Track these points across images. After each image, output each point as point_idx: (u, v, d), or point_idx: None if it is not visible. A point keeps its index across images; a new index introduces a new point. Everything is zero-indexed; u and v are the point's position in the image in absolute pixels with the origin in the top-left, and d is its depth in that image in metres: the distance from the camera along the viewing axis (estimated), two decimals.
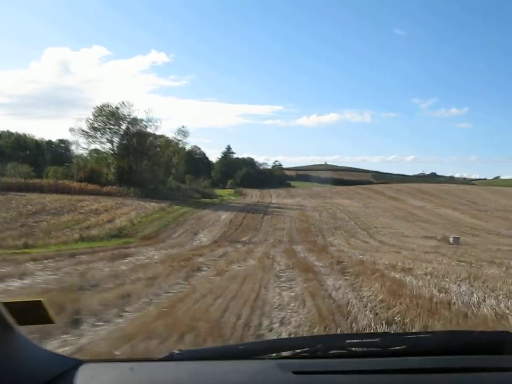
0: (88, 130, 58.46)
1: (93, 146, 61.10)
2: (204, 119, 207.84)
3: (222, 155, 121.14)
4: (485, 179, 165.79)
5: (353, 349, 1.79)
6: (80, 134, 58.68)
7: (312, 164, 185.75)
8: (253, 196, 76.55)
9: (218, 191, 78.29)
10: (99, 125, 58.61)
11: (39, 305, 1.53)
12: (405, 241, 31.77)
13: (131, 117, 59.70)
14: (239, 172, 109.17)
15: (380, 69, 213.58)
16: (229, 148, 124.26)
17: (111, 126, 58.91)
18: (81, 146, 62.66)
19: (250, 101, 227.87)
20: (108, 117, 58.61)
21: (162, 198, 51.58)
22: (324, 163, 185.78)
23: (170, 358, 1.79)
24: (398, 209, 57.70)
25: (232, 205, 55.20)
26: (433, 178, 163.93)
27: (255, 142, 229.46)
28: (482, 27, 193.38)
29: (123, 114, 59.36)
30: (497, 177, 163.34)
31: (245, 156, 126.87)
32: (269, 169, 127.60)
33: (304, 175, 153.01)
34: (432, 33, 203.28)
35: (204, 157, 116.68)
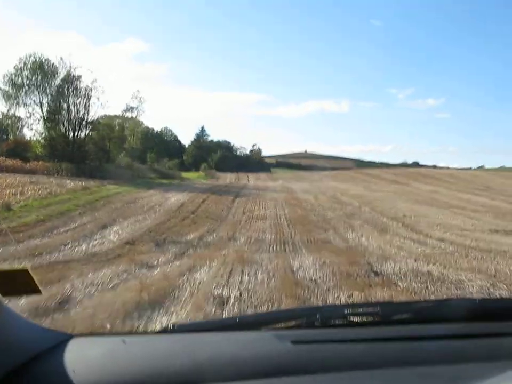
0: (7, 89, 41.89)
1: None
2: (180, 106, 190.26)
3: (195, 137, 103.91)
4: (470, 168, 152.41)
5: (353, 318, 1.62)
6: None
7: (292, 152, 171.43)
8: (227, 178, 60.33)
9: (186, 174, 62.14)
10: (22, 81, 41.94)
11: (25, 274, 1.32)
12: (484, 240, 16.44)
13: (67, 72, 43.10)
14: (213, 156, 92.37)
15: (356, 58, 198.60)
16: (202, 130, 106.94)
17: (39, 83, 42.21)
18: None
19: (228, 89, 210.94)
20: (34, 70, 41.91)
21: (105, 177, 36.32)
22: (304, 151, 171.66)
23: (164, 331, 1.65)
24: (411, 193, 42.37)
25: (195, 186, 38.86)
26: (416, 167, 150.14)
27: (233, 131, 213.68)
28: (457, 15, 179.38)
29: (55, 68, 42.74)
30: (481, 167, 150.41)
31: (221, 139, 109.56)
32: (247, 154, 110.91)
33: (284, 162, 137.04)
34: (408, 24, 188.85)
35: (175, 140, 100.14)
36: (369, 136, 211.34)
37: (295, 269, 8.95)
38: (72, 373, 1.16)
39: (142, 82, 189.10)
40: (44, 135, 43.59)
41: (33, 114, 42.55)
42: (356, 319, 1.60)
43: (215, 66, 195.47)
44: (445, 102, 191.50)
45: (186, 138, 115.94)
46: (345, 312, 1.69)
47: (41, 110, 42.69)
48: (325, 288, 7.26)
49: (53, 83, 42.66)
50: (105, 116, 49.73)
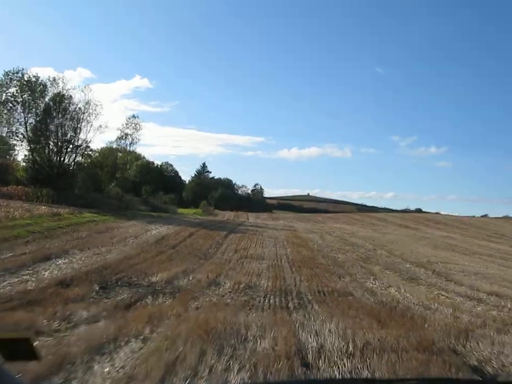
0: None
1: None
2: (184, 147, 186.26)
3: (196, 173, 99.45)
4: (474, 216, 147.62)
5: None
6: None
7: (294, 194, 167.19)
8: (225, 216, 55.63)
9: (182, 210, 57.54)
10: (7, 98, 37.75)
11: (26, 341, 1.33)
12: None
13: (57, 91, 39.00)
14: (213, 193, 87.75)
15: (360, 105, 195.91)
16: (204, 166, 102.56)
17: (25, 101, 38.02)
18: None
19: (231, 131, 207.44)
20: (21, 87, 37.79)
21: (89, 206, 31.74)
22: (306, 194, 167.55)
23: None
24: (425, 238, 37.66)
25: (186, 220, 34.03)
26: (419, 213, 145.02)
27: (236, 173, 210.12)
28: (459, 70, 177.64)
29: (43, 85, 38.63)
30: (485, 215, 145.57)
31: (222, 177, 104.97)
32: (248, 193, 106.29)
33: (286, 204, 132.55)
34: (411, 74, 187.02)
35: (175, 175, 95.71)
36: (371, 182, 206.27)
37: (310, 356, 4.41)
38: None
39: (146, 119, 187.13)
40: (27, 157, 39.40)
41: (17, 134, 38.17)
42: None
43: (220, 109, 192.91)
44: (447, 150, 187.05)
45: (187, 175, 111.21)
46: None
47: (26, 130, 38.35)
48: None
49: (40, 102, 38.53)
50: (106, 148, 45.83)
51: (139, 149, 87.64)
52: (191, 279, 11.37)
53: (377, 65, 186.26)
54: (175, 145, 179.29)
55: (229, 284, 10.77)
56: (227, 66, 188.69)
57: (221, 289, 10.12)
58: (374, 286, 12.48)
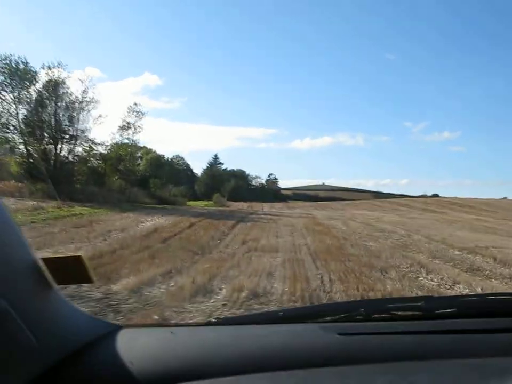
0: None
1: None
2: (196, 142, 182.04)
3: (208, 165, 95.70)
4: (494, 199, 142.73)
5: (396, 312, 1.52)
6: None
7: (309, 184, 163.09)
8: (238, 206, 51.83)
9: (193, 202, 54.08)
10: None
11: (78, 262, 1.28)
12: None
13: (49, 79, 35.49)
14: (226, 185, 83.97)
15: (371, 92, 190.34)
16: (216, 158, 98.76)
17: (14, 89, 34.47)
18: None
19: (243, 124, 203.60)
20: (11, 74, 34.25)
21: (87, 201, 28.64)
22: (321, 183, 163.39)
23: (211, 323, 1.58)
24: (456, 221, 33.63)
25: (191, 211, 30.05)
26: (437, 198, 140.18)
27: (249, 165, 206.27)
28: (465, 57, 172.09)
29: (33, 72, 35.09)
30: (505, 198, 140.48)
31: (235, 168, 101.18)
32: (263, 183, 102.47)
33: (301, 194, 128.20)
34: (421, 59, 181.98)
35: (187, 168, 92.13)
36: (385, 170, 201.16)
37: None
38: (124, 361, 1.14)
39: (157, 116, 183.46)
40: (20, 151, 35.87)
41: (7, 126, 34.58)
42: (399, 313, 1.48)
43: (230, 103, 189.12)
44: (460, 135, 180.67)
45: (199, 170, 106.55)
46: (389, 306, 1.59)
47: (18, 122, 34.79)
48: None
49: (32, 91, 34.95)
50: (116, 144, 42.35)
51: (150, 145, 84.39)
52: (171, 285, 7.71)
53: (387, 51, 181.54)
54: (186, 140, 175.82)
55: (225, 292, 7.11)
56: (235, 62, 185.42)
57: (210, 302, 6.46)
58: (434, 283, 8.74)
